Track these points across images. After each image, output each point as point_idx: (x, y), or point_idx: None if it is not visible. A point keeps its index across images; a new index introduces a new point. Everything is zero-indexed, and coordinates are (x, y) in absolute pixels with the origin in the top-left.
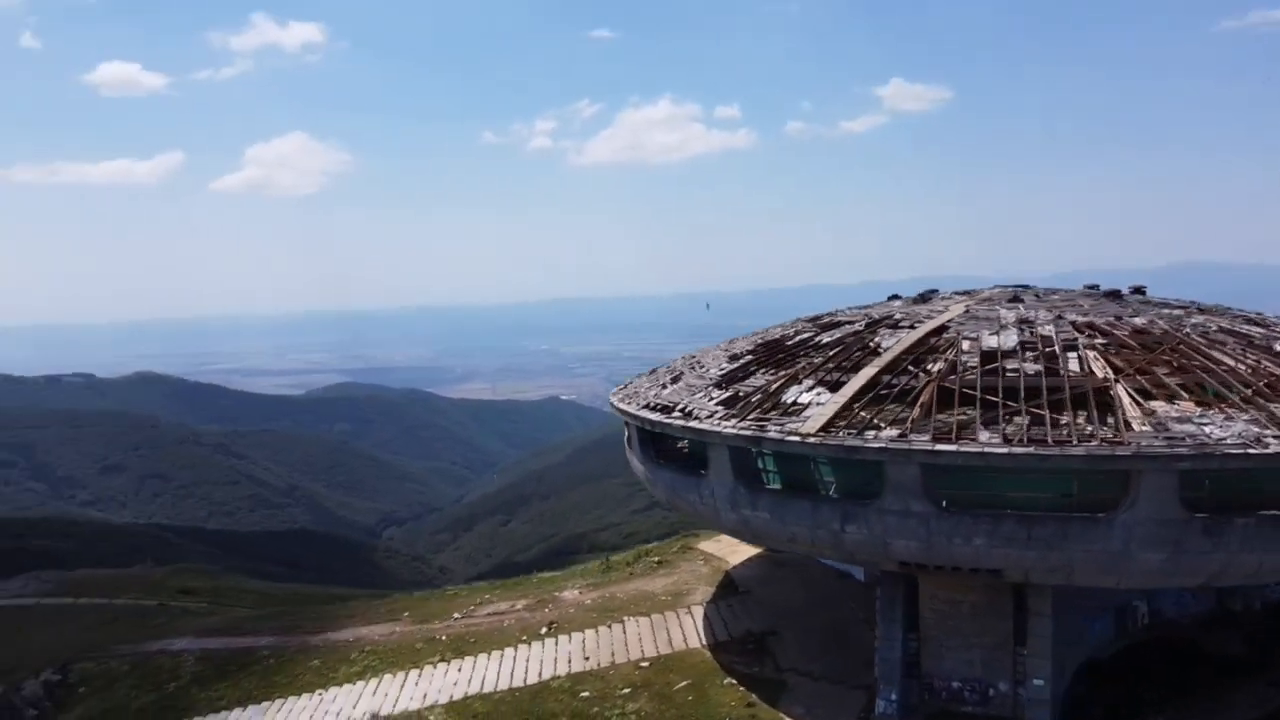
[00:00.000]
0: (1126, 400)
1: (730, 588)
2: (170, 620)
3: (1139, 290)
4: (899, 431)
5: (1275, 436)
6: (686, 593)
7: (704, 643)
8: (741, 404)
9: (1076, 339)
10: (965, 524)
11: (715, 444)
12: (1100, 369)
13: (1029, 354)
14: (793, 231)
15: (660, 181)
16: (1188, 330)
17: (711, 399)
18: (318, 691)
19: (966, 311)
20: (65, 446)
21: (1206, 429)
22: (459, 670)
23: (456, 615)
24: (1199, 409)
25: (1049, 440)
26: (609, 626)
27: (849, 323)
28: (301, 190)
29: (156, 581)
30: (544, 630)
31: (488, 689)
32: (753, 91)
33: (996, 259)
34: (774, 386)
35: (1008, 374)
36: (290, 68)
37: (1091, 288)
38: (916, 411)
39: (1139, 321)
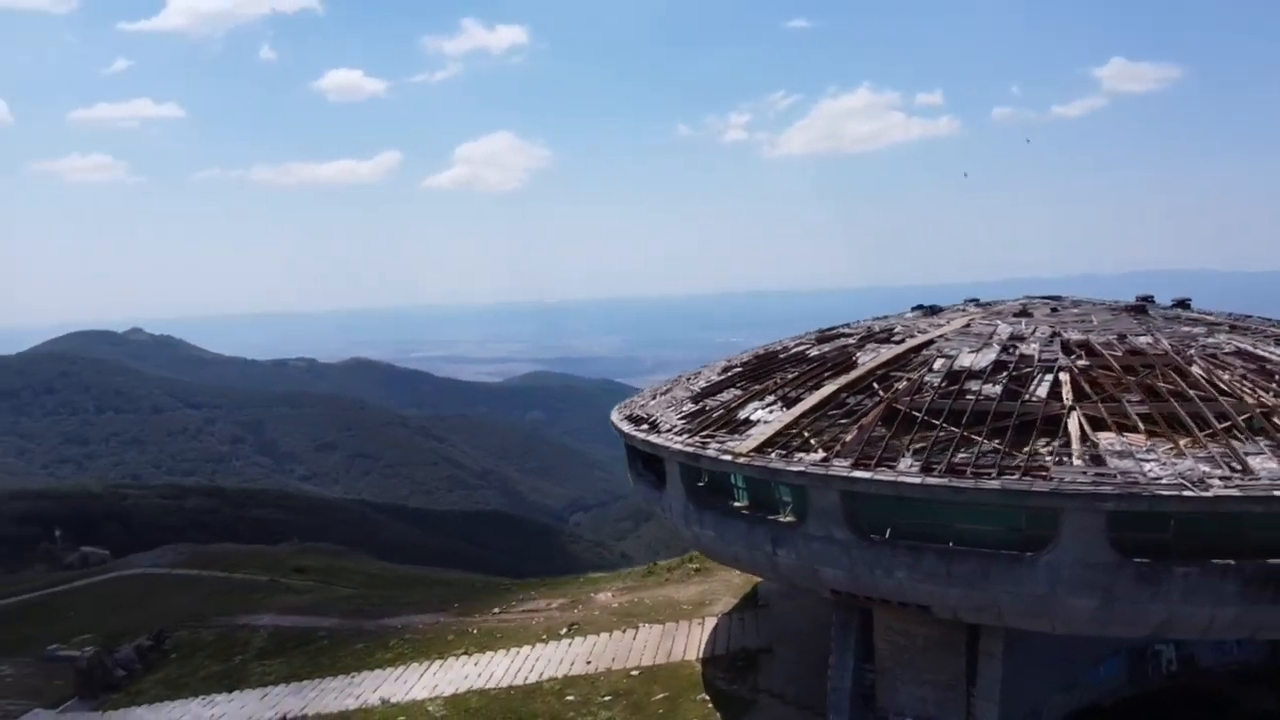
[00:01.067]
0: (1075, 430)
1: (752, 600)
2: (268, 596)
3: (1182, 303)
4: (825, 455)
5: (1224, 478)
6: (709, 603)
7: (700, 655)
8: (701, 419)
9: (1056, 360)
10: (886, 555)
11: (668, 459)
12: (1068, 394)
13: (999, 375)
14: (1000, 222)
15: (856, 172)
16: (1192, 352)
17: (681, 413)
18: (351, 674)
19: (967, 325)
20: (287, 425)
21: (1147, 465)
22: (475, 664)
23: (496, 610)
24: (1149, 441)
25: (969, 471)
26: (624, 631)
27: (846, 335)
28: (505, 187)
29: (278, 559)
30: (564, 631)
31: (490, 685)
32: (956, 77)
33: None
34: (737, 402)
35: (964, 397)
36: (496, 69)
37: (1144, 299)
38: (853, 433)
39: (1143, 340)
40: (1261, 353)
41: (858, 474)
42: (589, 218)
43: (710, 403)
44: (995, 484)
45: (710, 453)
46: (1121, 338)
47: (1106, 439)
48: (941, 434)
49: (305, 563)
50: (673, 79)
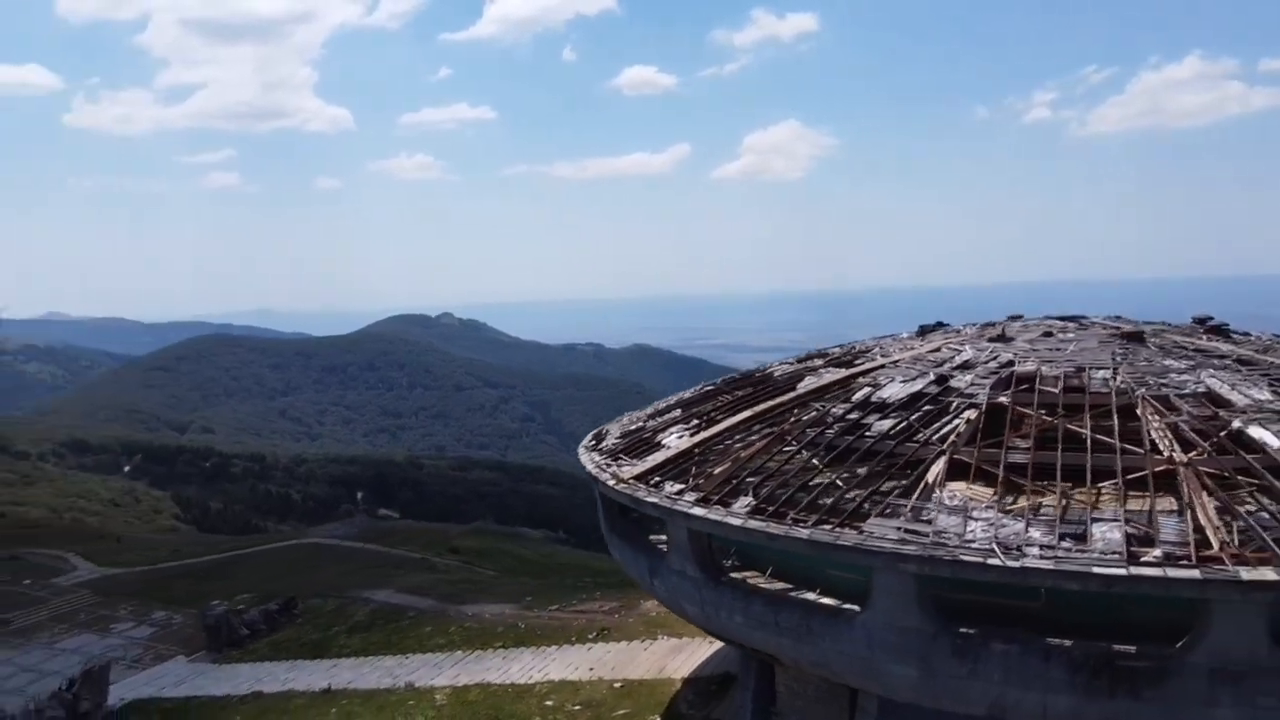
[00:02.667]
0: (932, 477)
1: None
2: (406, 573)
3: (1211, 328)
4: (683, 487)
5: (1047, 546)
6: None
7: (685, 675)
8: (632, 437)
9: (977, 396)
10: (726, 597)
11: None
12: (958, 435)
13: (906, 410)
14: None
15: (1181, 150)
16: (1142, 392)
17: (624, 433)
18: (406, 655)
19: (936, 350)
20: (572, 406)
21: (973, 525)
22: (502, 659)
23: (554, 607)
24: (994, 497)
25: (791, 516)
26: (641, 641)
27: (820, 359)
28: (791, 175)
29: (443, 537)
30: (591, 635)
31: (495, 681)
32: None
33: None
34: (665, 425)
35: (860, 432)
36: (785, 58)
37: (1201, 320)
38: (726, 465)
39: (1099, 375)
40: (1230, 396)
41: (695, 510)
42: (874, 205)
43: (652, 422)
44: (804, 533)
45: (604, 476)
46: (1079, 371)
47: (954, 489)
48: (813, 471)
49: (465, 543)
50: (969, 61)
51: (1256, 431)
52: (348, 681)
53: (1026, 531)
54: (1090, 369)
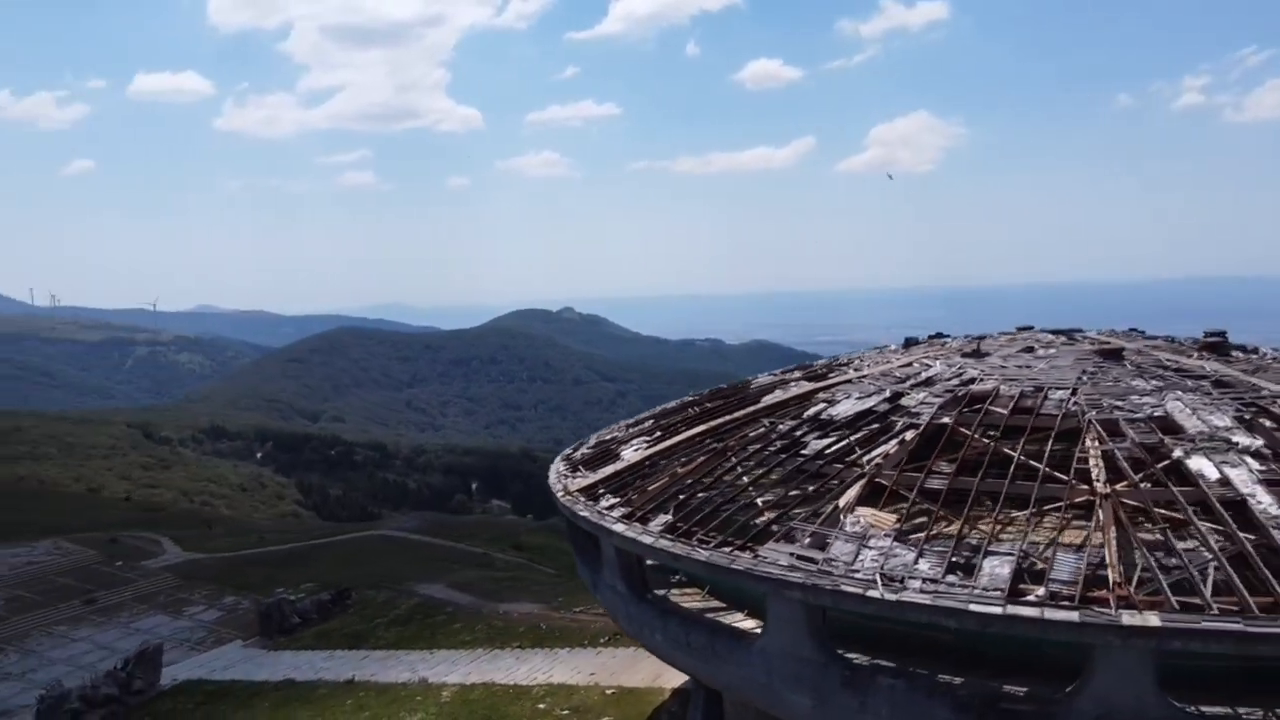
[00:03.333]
0: (844, 501)
1: None
2: (459, 569)
3: (1208, 344)
4: (614, 502)
5: (930, 580)
6: None
7: (676, 685)
8: (598, 448)
9: (921, 416)
10: (647, 615)
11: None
12: (886, 457)
13: (849, 428)
14: None
15: None
16: (1093, 415)
17: (598, 442)
18: (433, 650)
19: (908, 364)
20: None
21: (865, 553)
22: (515, 659)
23: (578, 609)
24: (896, 524)
25: (697, 538)
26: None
27: (801, 370)
28: (919, 167)
29: (510, 532)
30: (604, 639)
31: (500, 681)
32: None
33: None
34: (632, 436)
35: (797, 449)
36: (914, 48)
37: (1213, 334)
38: (663, 480)
39: (1056, 395)
40: (1186, 422)
41: (616, 527)
42: (1007, 197)
43: (624, 432)
44: (703, 555)
45: (557, 486)
46: (1037, 391)
47: (860, 515)
48: (740, 489)
49: (531, 540)
50: (1109, 46)
51: (1197, 462)
52: (371, 674)
53: (916, 562)
54: (1050, 389)
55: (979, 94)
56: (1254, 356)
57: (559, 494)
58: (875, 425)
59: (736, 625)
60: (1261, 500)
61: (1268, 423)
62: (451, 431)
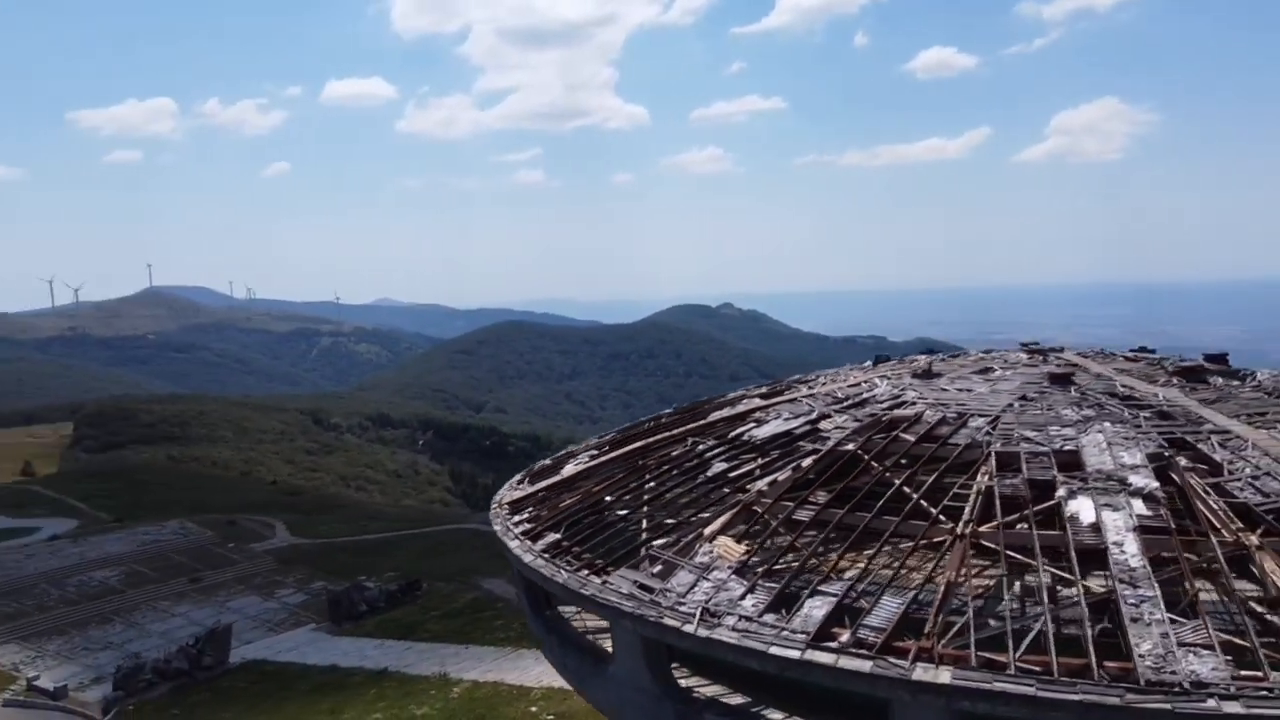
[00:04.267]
0: (709, 530)
1: None
2: None
3: (1185, 370)
4: (524, 516)
5: (747, 617)
6: None
7: None
8: (551, 463)
9: (830, 441)
10: (542, 629)
11: None
12: (776, 484)
13: (756, 452)
14: None
15: None
16: (995, 447)
17: (556, 454)
18: (467, 645)
19: (855, 385)
20: None
21: (703, 585)
22: (535, 659)
23: None
24: (742, 555)
25: (569, 558)
26: None
27: (767, 387)
28: (1105, 156)
29: None
30: None
31: (510, 681)
32: None
33: None
34: (584, 450)
35: (698, 471)
36: (1102, 29)
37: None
38: (576, 498)
39: (974, 424)
40: (1091, 459)
41: (511, 543)
42: (1201, 188)
43: (577, 450)
44: (562, 577)
45: (495, 498)
46: (960, 418)
47: (714, 545)
48: (636, 510)
49: None
50: None
51: (1077, 504)
52: (406, 665)
53: (744, 597)
54: (973, 416)
55: (1174, 77)
56: (1233, 384)
57: (494, 505)
58: (780, 450)
59: (602, 647)
60: (1126, 551)
61: (1184, 460)
62: (607, 425)
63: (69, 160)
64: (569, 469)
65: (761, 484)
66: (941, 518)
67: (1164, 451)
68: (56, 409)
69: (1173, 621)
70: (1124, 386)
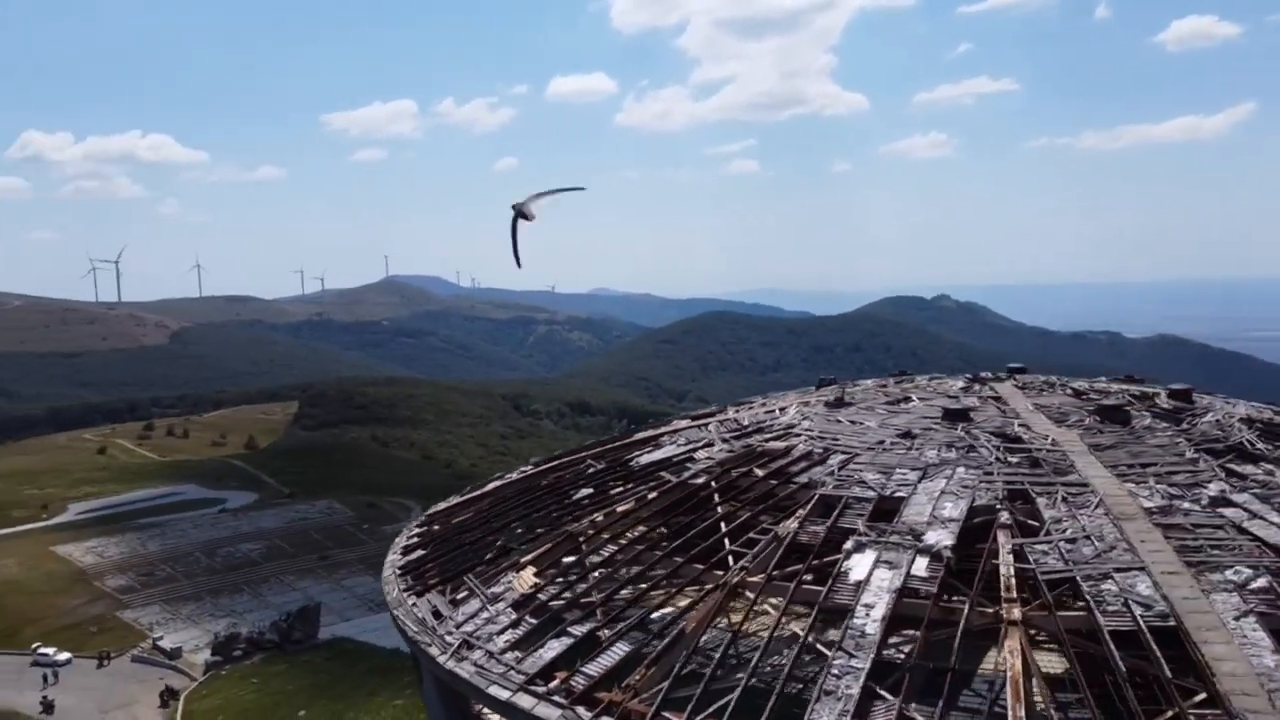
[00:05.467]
0: (525, 558)
1: None
2: None
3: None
4: (420, 533)
5: (490, 653)
6: None
7: None
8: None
9: (691, 470)
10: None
11: None
12: (609, 516)
13: (626, 479)
14: None
15: None
16: (819, 492)
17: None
18: None
19: (771, 410)
20: None
21: (482, 615)
22: None
23: None
24: (528, 588)
25: (421, 577)
26: None
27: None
28: None
29: None
30: None
31: None
32: None
33: None
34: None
35: (560, 496)
36: None
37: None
38: (469, 515)
39: (830, 464)
40: (908, 512)
41: (392, 555)
42: None
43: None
44: (390, 596)
45: (430, 509)
46: (805, 459)
47: (514, 576)
48: (499, 532)
49: None
50: None
51: (856, 559)
52: None
53: (503, 632)
54: (837, 453)
55: None
56: (1159, 426)
57: (416, 510)
58: (645, 479)
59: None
60: (871, 614)
61: (1006, 516)
62: None
63: (320, 160)
64: (493, 484)
65: (599, 515)
66: (730, 561)
67: (995, 504)
68: (293, 388)
69: (872, 696)
70: (1020, 426)
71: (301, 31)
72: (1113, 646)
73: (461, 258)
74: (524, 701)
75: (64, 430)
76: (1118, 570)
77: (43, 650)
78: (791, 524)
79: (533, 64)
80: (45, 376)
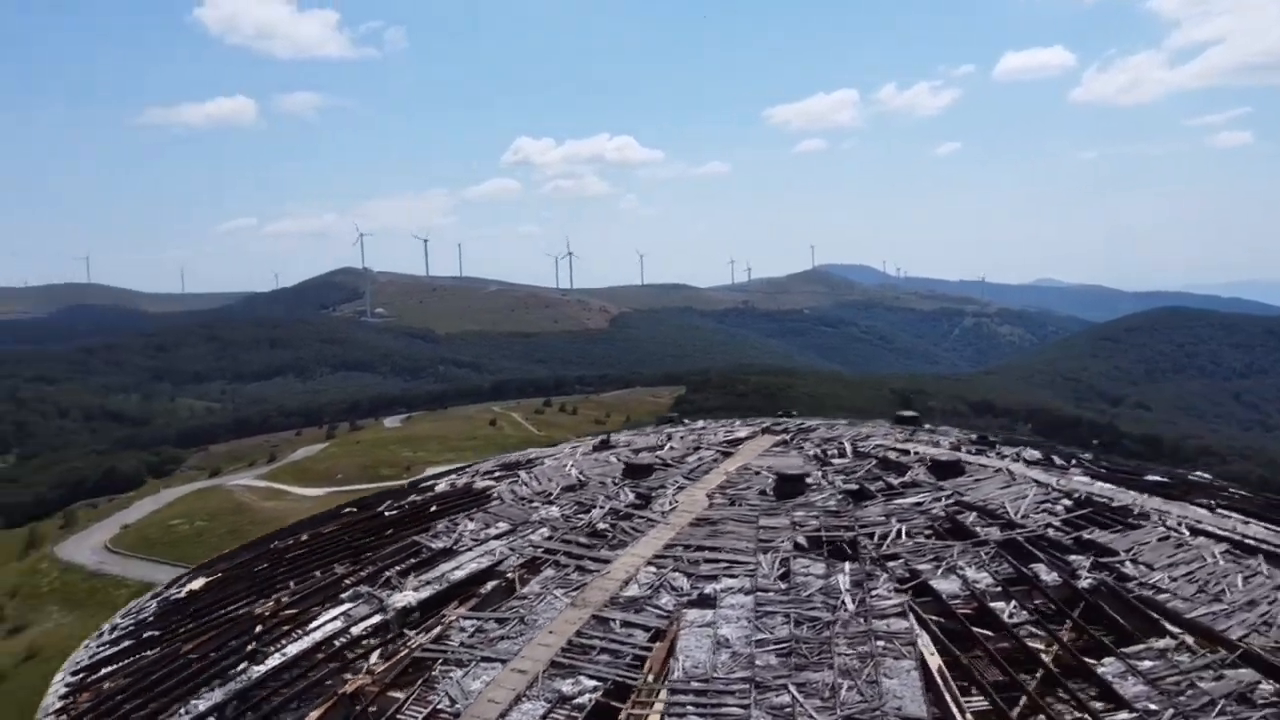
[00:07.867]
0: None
1: None
2: None
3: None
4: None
5: None
6: None
7: None
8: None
9: (418, 501)
10: None
11: None
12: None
13: (388, 509)
14: None
15: None
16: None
17: None
18: None
19: (575, 449)
20: None
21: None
22: None
23: None
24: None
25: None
26: None
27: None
28: None
29: None
30: None
31: None
32: None
33: None
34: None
35: (334, 521)
36: None
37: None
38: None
39: (490, 512)
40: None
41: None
42: None
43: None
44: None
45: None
46: (484, 496)
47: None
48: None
49: None
50: None
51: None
52: None
53: None
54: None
55: None
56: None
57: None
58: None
59: None
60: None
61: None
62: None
63: (763, 152)
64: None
65: (277, 542)
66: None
67: (498, 565)
68: (695, 373)
69: None
70: (674, 487)
71: (748, 27)
72: None
73: (890, 246)
74: None
75: (501, 400)
76: None
77: None
78: (319, 573)
79: (982, 41)
80: (507, 353)
